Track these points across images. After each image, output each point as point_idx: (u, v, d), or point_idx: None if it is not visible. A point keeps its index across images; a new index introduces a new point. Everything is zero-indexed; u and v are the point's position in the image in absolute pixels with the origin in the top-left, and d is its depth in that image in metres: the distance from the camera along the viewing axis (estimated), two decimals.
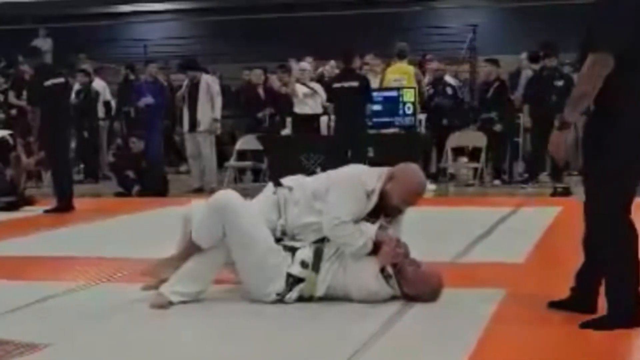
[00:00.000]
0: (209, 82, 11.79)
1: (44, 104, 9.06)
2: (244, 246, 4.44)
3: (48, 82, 9.10)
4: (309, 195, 4.59)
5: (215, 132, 11.80)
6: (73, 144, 12.35)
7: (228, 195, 4.57)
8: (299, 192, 4.62)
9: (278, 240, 4.56)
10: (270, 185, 4.78)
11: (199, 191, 11.48)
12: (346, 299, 4.45)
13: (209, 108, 11.60)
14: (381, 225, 4.46)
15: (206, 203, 4.63)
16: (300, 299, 4.48)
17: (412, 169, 4.63)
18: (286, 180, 4.74)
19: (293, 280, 4.46)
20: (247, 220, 4.45)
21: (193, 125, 11.67)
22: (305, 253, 4.49)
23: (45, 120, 9.02)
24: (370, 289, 4.41)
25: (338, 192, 4.46)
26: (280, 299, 4.46)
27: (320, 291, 4.46)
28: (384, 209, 4.53)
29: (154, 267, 4.75)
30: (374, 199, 4.49)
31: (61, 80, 9.34)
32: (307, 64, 12.36)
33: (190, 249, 4.57)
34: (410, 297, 4.46)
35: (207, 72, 12.69)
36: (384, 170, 4.57)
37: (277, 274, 4.45)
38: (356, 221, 4.43)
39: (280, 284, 4.45)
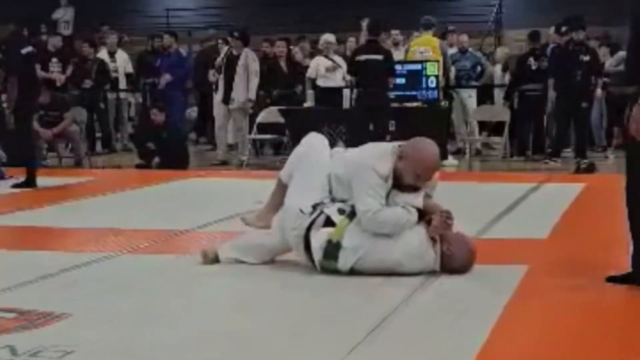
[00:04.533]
0: (249, 59, 11.67)
1: (20, 73, 8.64)
2: (300, 165, 4.68)
3: (24, 51, 8.85)
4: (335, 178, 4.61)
5: (247, 110, 11.77)
6: (84, 116, 12.37)
7: (317, 137, 4.82)
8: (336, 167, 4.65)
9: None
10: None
11: (224, 164, 11.47)
12: (377, 273, 4.42)
13: (245, 85, 11.53)
14: (426, 194, 4.44)
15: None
16: (325, 270, 4.46)
17: (422, 144, 4.56)
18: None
19: (324, 220, 4.45)
20: (317, 156, 4.67)
21: (227, 98, 11.62)
22: (344, 205, 4.52)
23: (19, 90, 8.55)
24: (414, 251, 4.38)
25: (357, 187, 4.44)
26: (302, 213, 4.47)
27: (346, 241, 4.40)
28: (401, 188, 4.48)
29: (253, 217, 4.91)
30: (390, 181, 4.46)
31: (31, 49, 9.05)
32: (331, 35, 12.27)
33: (278, 189, 4.80)
34: (445, 265, 4.44)
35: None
36: (395, 149, 4.51)
37: (312, 196, 4.52)
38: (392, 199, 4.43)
39: (308, 207, 4.48)
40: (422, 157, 4.47)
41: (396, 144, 4.58)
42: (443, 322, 3.78)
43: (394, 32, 12.58)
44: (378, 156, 4.50)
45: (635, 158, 3.97)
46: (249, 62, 11.60)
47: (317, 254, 4.45)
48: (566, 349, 3.38)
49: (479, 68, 13.16)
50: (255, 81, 11.59)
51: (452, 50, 12.78)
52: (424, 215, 4.44)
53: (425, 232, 4.43)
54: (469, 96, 12.89)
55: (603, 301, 4.08)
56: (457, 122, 12.68)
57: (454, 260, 4.45)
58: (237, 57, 11.57)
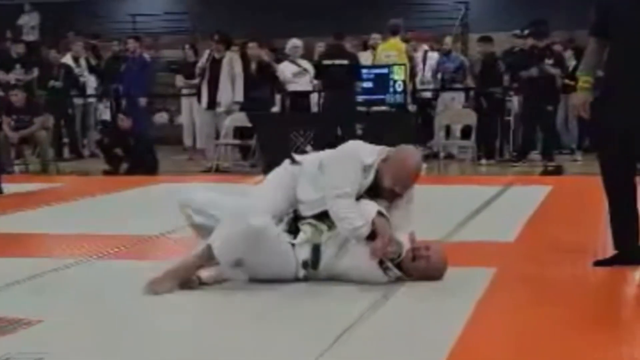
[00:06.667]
0: (233, 61, 11.61)
1: None
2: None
3: None
4: (316, 169, 4.54)
5: (232, 113, 11.66)
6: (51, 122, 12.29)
7: (262, 223, 4.26)
8: (309, 166, 4.59)
9: (295, 219, 4.53)
10: (287, 161, 4.71)
11: (218, 171, 11.39)
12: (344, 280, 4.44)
13: (230, 88, 11.46)
14: (380, 212, 4.39)
15: (236, 223, 4.28)
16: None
17: (407, 152, 4.60)
18: (299, 157, 4.70)
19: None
20: (271, 243, 4.32)
21: (212, 103, 11.53)
22: (304, 253, 4.42)
23: None
24: (367, 274, 4.37)
25: (336, 165, 4.47)
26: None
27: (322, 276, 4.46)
28: (379, 191, 4.48)
29: (160, 279, 4.42)
30: (371, 175, 4.46)
31: None
32: (298, 40, 12.29)
33: (204, 260, 4.37)
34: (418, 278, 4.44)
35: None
36: (384, 150, 4.55)
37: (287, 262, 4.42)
38: (357, 198, 4.40)
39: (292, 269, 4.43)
40: (403, 163, 4.49)
41: (386, 148, 4.59)
42: (413, 324, 3.80)
43: (349, 37, 12.53)
44: (366, 149, 4.55)
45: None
46: (234, 64, 11.53)
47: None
48: (533, 349, 3.42)
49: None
50: (240, 82, 11.49)
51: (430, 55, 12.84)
52: (374, 235, 4.34)
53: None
54: (452, 99, 12.89)
55: (570, 302, 4.13)
56: (437, 125, 12.64)
57: (429, 276, 4.46)
58: (220, 61, 11.49)
